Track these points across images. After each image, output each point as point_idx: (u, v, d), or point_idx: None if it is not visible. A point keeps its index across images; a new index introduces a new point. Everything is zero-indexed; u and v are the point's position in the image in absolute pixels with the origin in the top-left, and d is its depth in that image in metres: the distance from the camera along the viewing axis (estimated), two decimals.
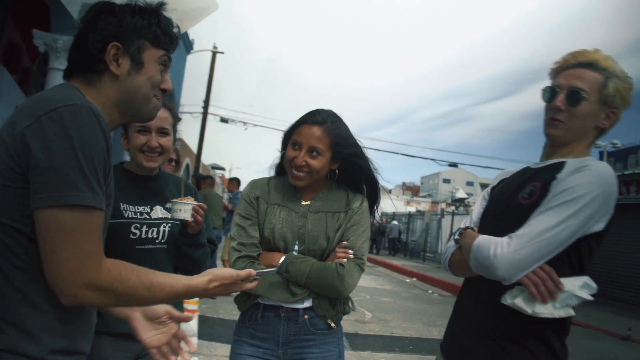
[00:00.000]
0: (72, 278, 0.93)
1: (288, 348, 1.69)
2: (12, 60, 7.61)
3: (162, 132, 1.76)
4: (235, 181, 9.18)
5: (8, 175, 0.96)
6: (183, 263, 1.80)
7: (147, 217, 1.73)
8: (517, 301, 1.32)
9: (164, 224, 1.76)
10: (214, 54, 18.87)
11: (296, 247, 1.71)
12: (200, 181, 8.41)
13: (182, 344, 1.35)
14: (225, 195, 8.81)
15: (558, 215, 1.31)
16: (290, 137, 1.76)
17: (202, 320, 4.89)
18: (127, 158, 1.82)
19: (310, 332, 1.69)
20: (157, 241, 1.73)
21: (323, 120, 1.72)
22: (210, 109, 18.85)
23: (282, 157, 1.83)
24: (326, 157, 1.72)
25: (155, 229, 1.73)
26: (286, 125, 1.82)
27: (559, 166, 1.44)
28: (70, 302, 0.96)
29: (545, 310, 1.29)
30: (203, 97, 18.77)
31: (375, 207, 1.88)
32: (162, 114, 1.73)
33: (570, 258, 1.36)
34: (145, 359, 1.65)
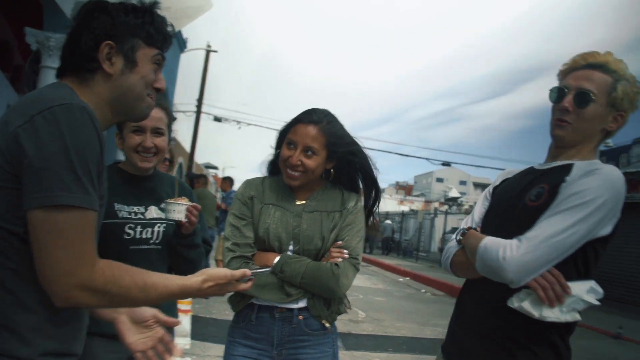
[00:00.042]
0: (65, 279, 0.92)
1: (282, 349, 1.69)
2: (4, 58, 7.55)
3: (157, 132, 1.75)
4: (228, 180, 9.16)
5: (0, 176, 0.95)
6: (177, 263, 1.79)
7: (142, 217, 1.72)
8: (524, 305, 1.31)
9: (159, 224, 1.75)
10: (208, 52, 18.83)
11: (291, 247, 1.70)
12: (194, 180, 8.38)
13: (176, 342, 1.35)
14: (219, 195, 8.79)
15: (568, 219, 1.30)
16: (286, 136, 1.75)
17: (195, 320, 4.87)
18: (121, 157, 1.80)
19: (305, 333, 1.69)
20: (151, 241, 1.73)
21: (318, 119, 1.71)
22: (204, 108, 18.86)
23: (276, 156, 1.83)
24: (321, 157, 1.72)
25: (149, 229, 1.73)
26: (280, 124, 1.82)
27: (567, 168, 1.43)
28: (63, 304, 0.95)
29: (553, 315, 1.29)
30: (197, 95, 18.76)
31: (376, 207, 1.88)
32: (157, 113, 1.72)
33: (577, 262, 1.35)
34: None
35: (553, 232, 1.29)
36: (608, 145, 17.02)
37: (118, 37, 1.10)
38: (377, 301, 8.56)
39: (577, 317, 1.31)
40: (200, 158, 20.04)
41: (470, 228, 1.54)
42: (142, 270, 1.05)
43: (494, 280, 1.35)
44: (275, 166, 1.87)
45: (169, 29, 1.20)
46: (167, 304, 1.76)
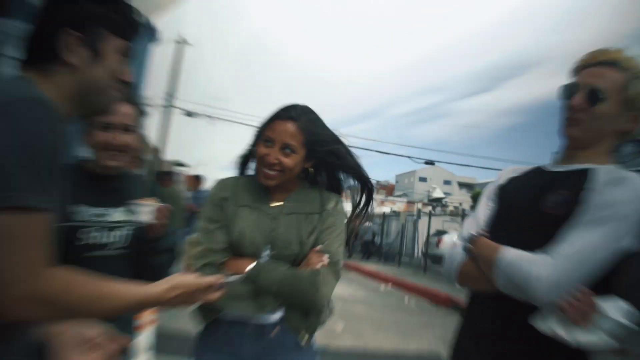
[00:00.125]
0: (11, 290, 0.90)
1: None
2: None
3: (126, 128, 1.74)
4: (197, 179, 9.06)
5: None
6: (143, 270, 1.77)
7: (105, 220, 1.71)
8: (554, 327, 1.30)
9: (123, 228, 1.74)
10: (180, 44, 18.85)
11: (267, 253, 1.70)
12: (163, 178, 8.28)
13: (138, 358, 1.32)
14: (187, 194, 8.71)
15: (601, 233, 1.29)
16: (263, 133, 1.75)
17: (160, 332, 4.81)
18: (87, 155, 1.78)
19: (281, 348, 1.68)
20: (113, 246, 1.71)
21: (297, 115, 1.72)
22: (176, 103, 18.92)
23: (251, 153, 1.83)
24: (300, 155, 1.73)
25: (112, 233, 1.71)
26: (255, 120, 1.82)
27: (586, 174, 1.43)
28: (9, 317, 0.93)
29: (587, 339, 1.27)
30: (168, 89, 18.80)
31: (367, 209, 1.90)
32: (127, 109, 1.72)
33: (604, 278, 1.33)
34: None
35: (584, 246, 1.29)
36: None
37: (83, 27, 1.10)
38: (357, 311, 8.61)
39: (615, 343, 1.28)
40: (170, 155, 20.09)
41: (479, 234, 1.52)
42: (99, 278, 1.04)
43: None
44: (248, 164, 1.87)
45: (138, 18, 1.20)
46: (126, 316, 1.75)
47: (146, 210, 1.68)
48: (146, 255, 1.76)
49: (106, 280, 1.05)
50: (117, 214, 1.75)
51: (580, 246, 1.29)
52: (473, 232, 1.56)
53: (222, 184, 1.81)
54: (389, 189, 72.61)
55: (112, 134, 1.71)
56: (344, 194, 1.91)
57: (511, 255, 1.36)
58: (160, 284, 1.15)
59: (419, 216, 19.86)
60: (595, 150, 1.49)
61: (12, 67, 5.77)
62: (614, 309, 1.28)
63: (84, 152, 1.77)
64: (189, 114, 19.44)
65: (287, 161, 1.70)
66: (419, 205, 31.79)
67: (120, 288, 1.07)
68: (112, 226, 1.72)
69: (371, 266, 17.40)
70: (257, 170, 1.77)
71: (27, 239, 0.91)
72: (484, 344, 1.51)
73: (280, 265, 1.67)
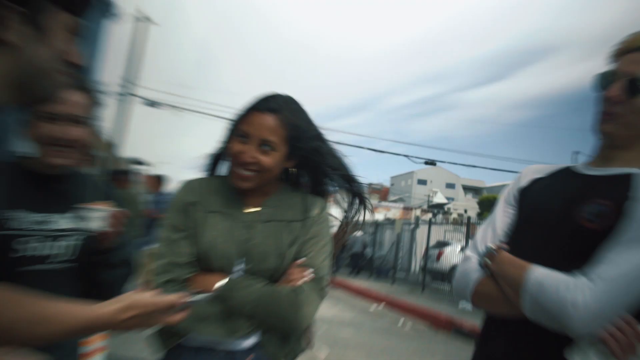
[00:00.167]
0: None
1: None
2: None
3: (76, 120, 1.73)
4: (159, 179, 9.06)
5: None
6: (92, 287, 1.77)
7: (47, 228, 1.70)
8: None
9: (69, 237, 1.73)
10: (142, 22, 18.80)
11: (240, 267, 1.70)
12: (118, 179, 8.23)
13: None
14: (147, 197, 8.69)
15: None
16: (237, 127, 1.75)
17: None
18: (27, 151, 1.77)
19: None
20: (57, 259, 1.70)
21: (278, 107, 1.72)
22: (136, 90, 18.97)
23: (223, 150, 1.84)
24: (280, 153, 1.73)
25: (56, 244, 1.70)
26: (229, 112, 1.82)
27: (630, 180, 1.42)
28: None
29: None
30: (128, 75, 18.82)
31: (357, 217, 1.91)
32: (77, 97, 1.71)
33: None
34: None
35: (629, 268, 1.27)
36: None
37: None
38: (344, 335, 8.63)
39: None
40: (128, 152, 20.08)
41: (499, 247, 1.51)
42: (38, 297, 1.03)
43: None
44: (220, 163, 1.87)
45: None
46: (71, 342, 1.73)
47: (98, 216, 1.67)
48: (97, 269, 1.75)
49: (47, 299, 1.04)
50: (62, 221, 1.74)
51: (625, 268, 1.27)
52: (491, 244, 1.54)
53: (189, 186, 1.80)
54: (382, 193, 73.04)
55: (58, 126, 1.70)
56: (330, 199, 1.92)
57: (541, 275, 1.34)
58: (112, 303, 1.15)
59: (417, 225, 19.99)
60: (637, 151, 1.48)
61: None
62: None
63: (24, 147, 1.75)
64: (151, 103, 19.34)
65: (266, 160, 1.70)
66: (418, 212, 32.05)
67: (63, 308, 1.06)
68: (56, 235, 1.71)
69: (361, 283, 17.49)
70: (230, 170, 1.77)
71: None
72: None
73: (256, 281, 1.67)
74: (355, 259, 22.43)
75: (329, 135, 1.86)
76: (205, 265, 1.70)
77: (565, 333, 1.30)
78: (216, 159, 1.89)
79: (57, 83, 1.17)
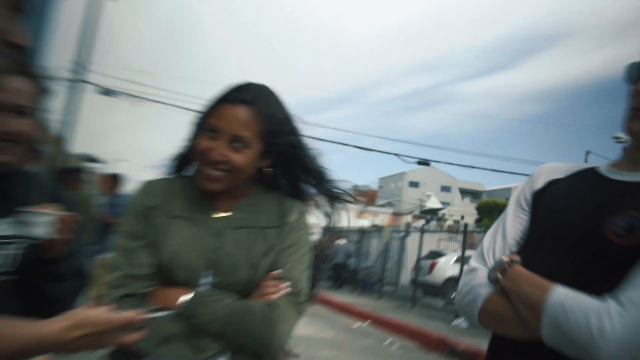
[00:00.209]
0: None
1: None
2: None
3: (19, 110, 1.72)
4: (115, 179, 9.02)
5: None
6: (37, 302, 1.76)
7: None
8: None
9: (9, 245, 1.72)
10: None
11: (207, 279, 1.70)
12: (68, 178, 8.16)
13: None
14: (101, 200, 8.63)
15: None
16: (205, 121, 1.75)
17: None
18: None
19: None
20: None
21: (252, 98, 1.73)
22: (89, 77, 18.84)
23: (189, 147, 1.83)
24: (254, 151, 1.74)
25: None
26: (196, 103, 1.82)
27: None
28: None
29: None
30: (81, 59, 18.71)
31: (333, 222, 1.93)
32: (20, 84, 1.71)
33: None
34: None
35: None
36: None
37: None
38: (324, 356, 8.64)
39: None
40: (79, 147, 19.92)
41: (512, 260, 1.48)
42: None
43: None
44: (185, 162, 1.87)
45: None
46: None
47: (43, 221, 1.66)
48: (42, 281, 1.74)
49: None
50: (1, 227, 1.73)
51: None
52: (502, 256, 1.53)
53: (149, 187, 1.80)
54: (369, 197, 73.23)
55: None
56: (310, 203, 1.92)
57: (564, 297, 1.31)
58: (59, 320, 1.15)
59: (407, 232, 20.07)
60: None
61: None
62: None
63: None
64: (106, 92, 19.28)
65: (237, 158, 1.70)
66: (409, 218, 32.19)
67: (5, 327, 1.06)
68: None
69: (343, 297, 17.50)
70: (197, 170, 1.77)
71: None
72: None
73: (225, 296, 1.67)
74: (338, 270, 22.41)
75: (305, 131, 1.87)
76: (167, 277, 1.70)
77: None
78: (181, 157, 1.89)
79: None
